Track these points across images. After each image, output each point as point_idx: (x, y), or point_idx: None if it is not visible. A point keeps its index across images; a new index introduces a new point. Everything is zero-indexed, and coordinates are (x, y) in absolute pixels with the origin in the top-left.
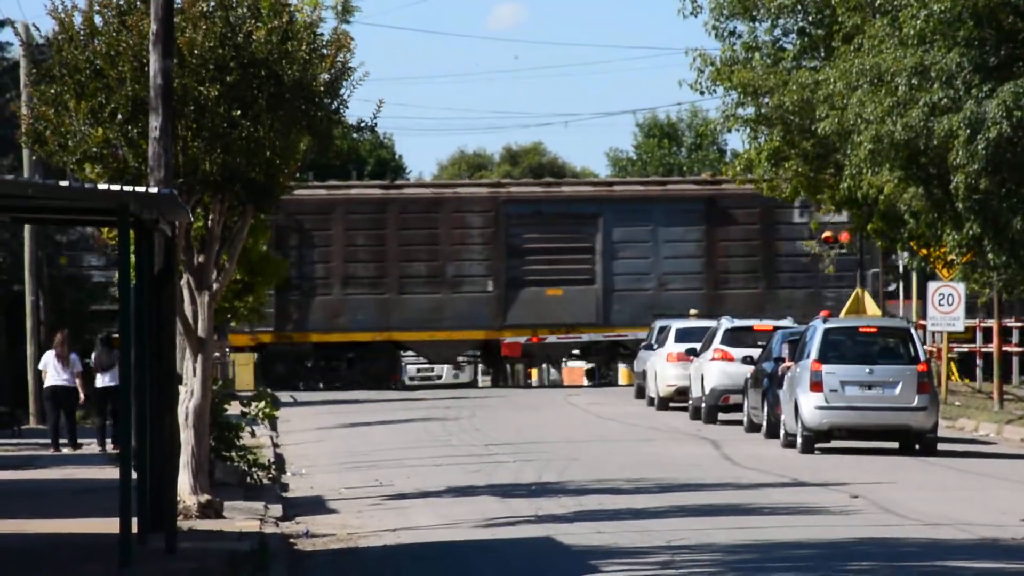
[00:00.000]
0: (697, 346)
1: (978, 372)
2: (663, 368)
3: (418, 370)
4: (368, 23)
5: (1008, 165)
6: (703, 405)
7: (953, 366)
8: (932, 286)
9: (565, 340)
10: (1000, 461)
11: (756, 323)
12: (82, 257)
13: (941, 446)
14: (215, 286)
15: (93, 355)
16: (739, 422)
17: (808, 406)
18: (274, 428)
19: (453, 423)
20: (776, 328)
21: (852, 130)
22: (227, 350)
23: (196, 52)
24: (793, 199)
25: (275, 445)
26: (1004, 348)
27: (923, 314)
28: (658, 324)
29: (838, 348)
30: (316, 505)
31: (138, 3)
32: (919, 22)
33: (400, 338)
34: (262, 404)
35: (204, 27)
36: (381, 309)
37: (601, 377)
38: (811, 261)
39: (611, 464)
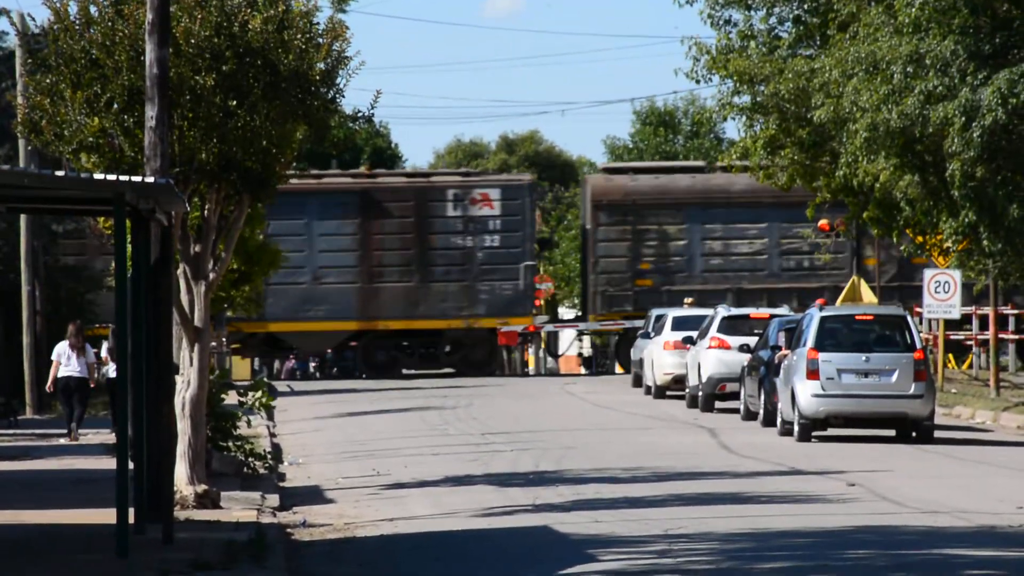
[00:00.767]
0: (694, 334)
1: (974, 359)
2: (660, 356)
3: None
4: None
5: (1004, 152)
6: (700, 393)
7: (950, 355)
8: (928, 273)
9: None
10: (997, 448)
11: (753, 311)
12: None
13: (938, 434)
14: (212, 276)
15: (104, 346)
16: (736, 410)
17: (805, 394)
18: (271, 417)
19: (450, 412)
20: (773, 316)
21: (848, 118)
22: (224, 339)
23: (192, 41)
24: (790, 187)
25: (272, 435)
26: (1000, 335)
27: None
28: (655, 312)
29: (834, 336)
30: (313, 495)
31: None
32: (914, 10)
33: None
34: (259, 394)
35: (200, 16)
36: None
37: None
38: (464, 255)
39: (608, 453)
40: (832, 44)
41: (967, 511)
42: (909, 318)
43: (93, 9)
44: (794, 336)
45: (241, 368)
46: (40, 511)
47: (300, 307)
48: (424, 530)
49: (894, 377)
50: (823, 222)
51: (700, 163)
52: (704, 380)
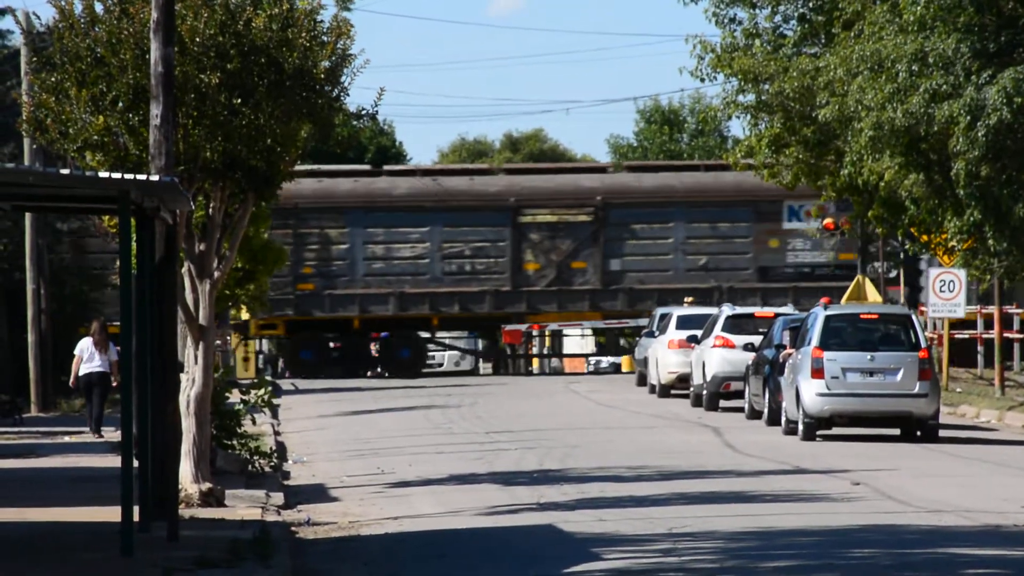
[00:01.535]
0: (698, 333)
1: (979, 359)
2: (664, 355)
3: None
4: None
5: (1009, 152)
6: (704, 392)
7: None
8: (933, 272)
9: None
10: (1001, 448)
11: (757, 310)
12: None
13: (942, 433)
14: (216, 274)
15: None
16: (740, 409)
17: (809, 393)
18: (275, 416)
19: (454, 411)
20: (777, 315)
21: (853, 117)
22: (227, 338)
23: (197, 40)
24: (794, 186)
25: (276, 433)
26: (1005, 334)
27: (910, 300)
28: (659, 311)
29: (839, 335)
30: (318, 493)
31: None
32: (919, 8)
33: None
34: (263, 392)
35: (205, 15)
36: None
37: None
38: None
39: (613, 451)
40: (837, 42)
41: (972, 510)
42: (914, 317)
43: (98, 7)
44: (799, 335)
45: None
46: (45, 509)
47: None
48: (429, 528)
49: (899, 376)
50: (828, 220)
51: (365, 167)
52: (708, 379)
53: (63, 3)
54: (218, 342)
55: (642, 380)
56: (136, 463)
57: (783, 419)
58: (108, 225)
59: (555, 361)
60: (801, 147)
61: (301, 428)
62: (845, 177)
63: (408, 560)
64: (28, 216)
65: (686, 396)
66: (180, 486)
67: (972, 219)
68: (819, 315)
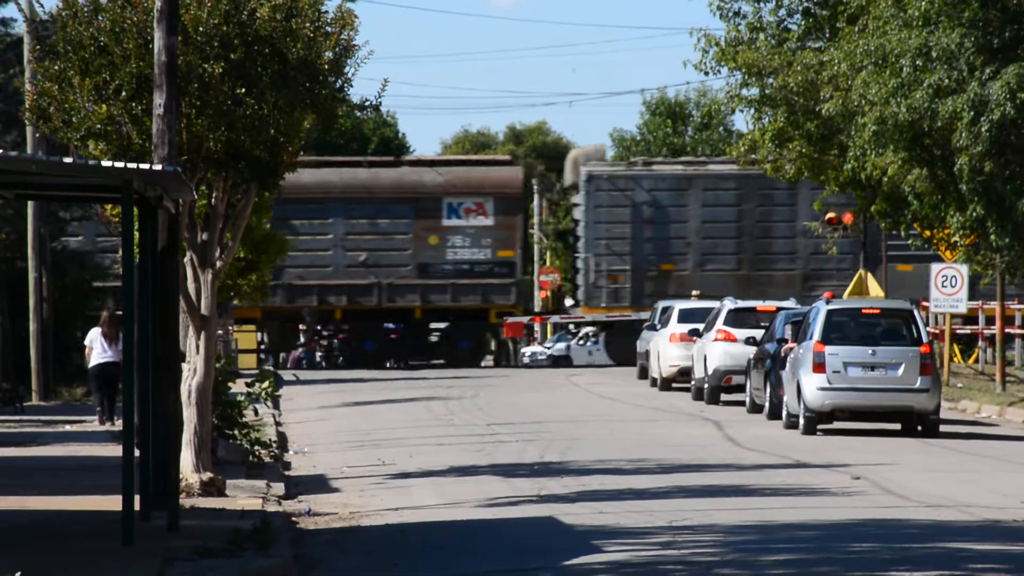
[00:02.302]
0: (700, 327)
1: (980, 354)
2: (666, 348)
3: None
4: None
5: (1012, 147)
6: (706, 386)
7: (956, 348)
8: (935, 268)
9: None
10: (1002, 443)
11: (759, 304)
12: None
13: (943, 428)
14: (218, 264)
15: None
16: (741, 403)
17: (810, 387)
18: (277, 406)
19: (455, 402)
20: (779, 309)
21: (856, 111)
22: (230, 328)
23: (200, 29)
24: (797, 180)
25: (277, 423)
26: (1007, 330)
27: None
28: (661, 304)
29: (841, 329)
30: (318, 483)
31: None
32: (924, 3)
33: None
34: (265, 384)
35: (209, 4)
36: None
37: None
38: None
39: (613, 444)
40: (841, 37)
41: (972, 505)
42: (916, 312)
43: None
44: (800, 329)
45: (247, 356)
46: (46, 497)
47: None
48: (429, 520)
49: (900, 371)
50: (831, 215)
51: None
52: (710, 372)
53: None
54: (220, 332)
55: (643, 373)
56: (137, 452)
57: (784, 413)
58: (111, 214)
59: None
60: (804, 141)
61: (302, 419)
62: (848, 172)
63: (408, 551)
64: (31, 204)
65: (687, 390)
66: (181, 476)
67: (975, 215)
68: (821, 309)
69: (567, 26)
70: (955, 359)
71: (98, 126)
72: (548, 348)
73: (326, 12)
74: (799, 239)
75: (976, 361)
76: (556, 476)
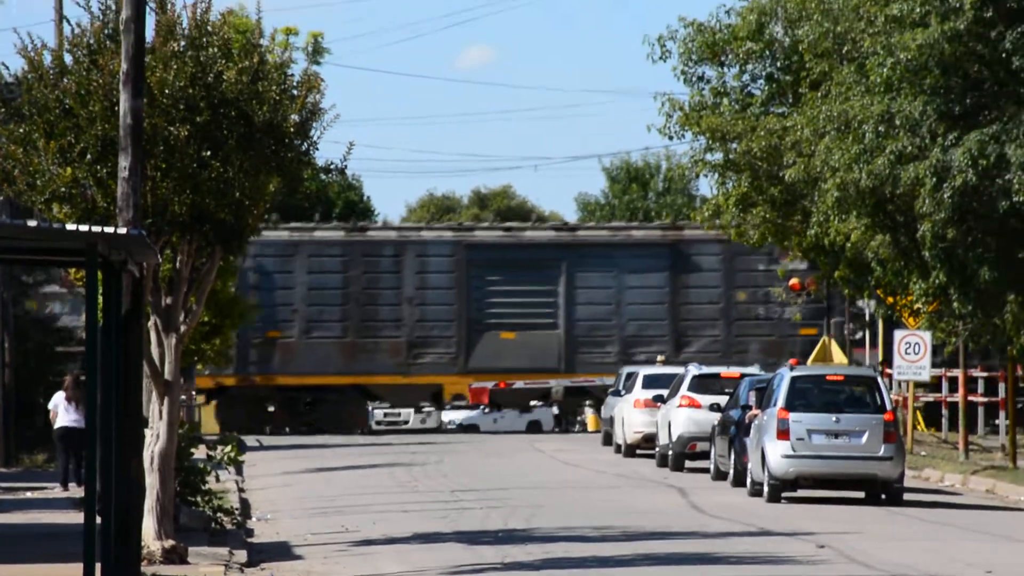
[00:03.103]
0: (664, 392)
1: (943, 422)
2: (630, 414)
3: (384, 415)
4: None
5: (974, 214)
6: (670, 452)
7: (919, 415)
8: (898, 335)
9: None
10: (965, 512)
11: (723, 370)
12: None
13: (907, 496)
14: (183, 328)
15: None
16: (706, 470)
17: (775, 454)
18: (240, 472)
19: (419, 468)
20: (743, 375)
21: (819, 177)
22: (193, 393)
23: (167, 92)
24: (760, 245)
25: (240, 490)
26: (969, 398)
27: (888, 361)
28: (625, 370)
29: (805, 396)
30: (282, 551)
31: (108, 43)
32: (886, 70)
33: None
34: (228, 448)
35: (175, 67)
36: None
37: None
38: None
39: (578, 511)
40: (804, 103)
41: (936, 575)
42: (880, 379)
43: (68, 58)
44: (764, 396)
45: (210, 421)
46: (6, 566)
47: None
48: None
49: (864, 438)
50: (794, 281)
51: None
52: (674, 439)
53: (32, 54)
54: (183, 397)
55: (608, 439)
56: (99, 519)
57: (749, 480)
58: (74, 278)
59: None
60: (768, 206)
61: (265, 485)
62: (812, 237)
63: None
64: None
65: (652, 456)
66: (143, 543)
67: (938, 281)
68: (785, 376)
69: (532, 90)
70: (918, 427)
71: (63, 189)
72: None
73: (292, 75)
74: (404, 306)
75: (939, 429)
76: (520, 543)
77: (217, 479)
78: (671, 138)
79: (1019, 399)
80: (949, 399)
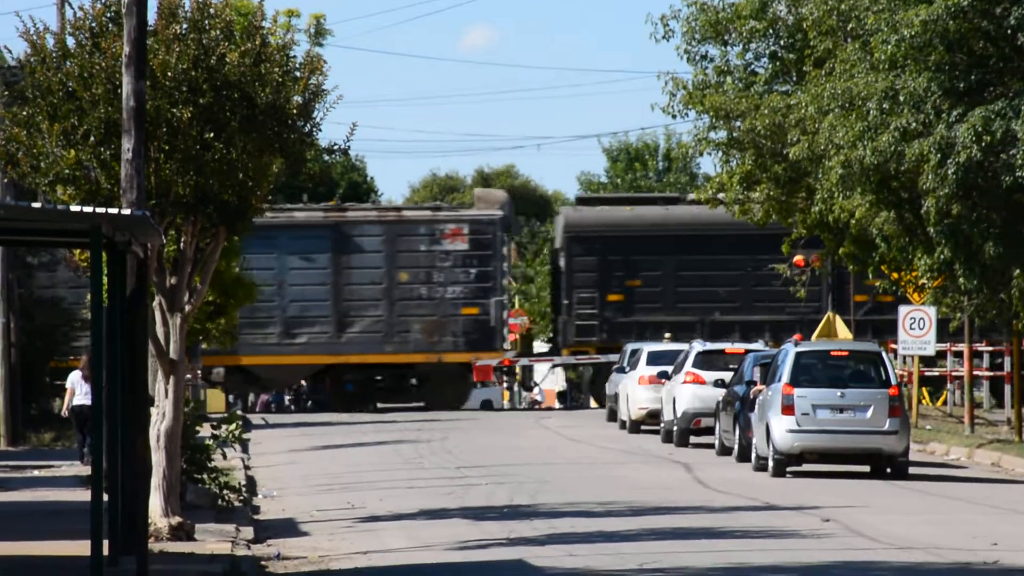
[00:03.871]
0: (669, 369)
1: (948, 396)
2: (635, 391)
3: None
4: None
5: (979, 190)
6: (675, 428)
7: (925, 390)
8: (903, 310)
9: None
10: (971, 485)
11: (728, 346)
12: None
13: (912, 470)
14: (187, 308)
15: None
16: (711, 445)
17: (779, 429)
18: (245, 450)
19: (425, 445)
20: (748, 351)
21: (823, 154)
22: (198, 372)
23: (169, 74)
24: (765, 223)
25: (246, 467)
26: (975, 372)
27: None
28: (630, 347)
29: (809, 371)
30: (288, 527)
31: (111, 25)
32: (890, 47)
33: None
34: (233, 426)
35: (177, 49)
36: None
37: None
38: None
39: (583, 487)
40: (808, 80)
41: (941, 547)
42: (884, 354)
43: (70, 42)
44: (769, 371)
45: (216, 400)
46: (14, 543)
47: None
48: (398, 563)
49: (869, 413)
50: (798, 258)
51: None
52: (679, 415)
53: (35, 37)
54: (188, 376)
55: (612, 416)
56: (106, 497)
57: (753, 455)
58: (79, 259)
59: (525, 396)
60: (772, 184)
61: (271, 462)
62: (816, 214)
63: None
64: None
65: (656, 432)
66: (150, 520)
67: (942, 257)
68: (790, 352)
69: (535, 69)
70: (923, 401)
71: (66, 171)
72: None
73: (295, 57)
74: None
75: (944, 403)
76: (526, 519)
77: (224, 457)
78: (674, 117)
79: None
80: (954, 373)
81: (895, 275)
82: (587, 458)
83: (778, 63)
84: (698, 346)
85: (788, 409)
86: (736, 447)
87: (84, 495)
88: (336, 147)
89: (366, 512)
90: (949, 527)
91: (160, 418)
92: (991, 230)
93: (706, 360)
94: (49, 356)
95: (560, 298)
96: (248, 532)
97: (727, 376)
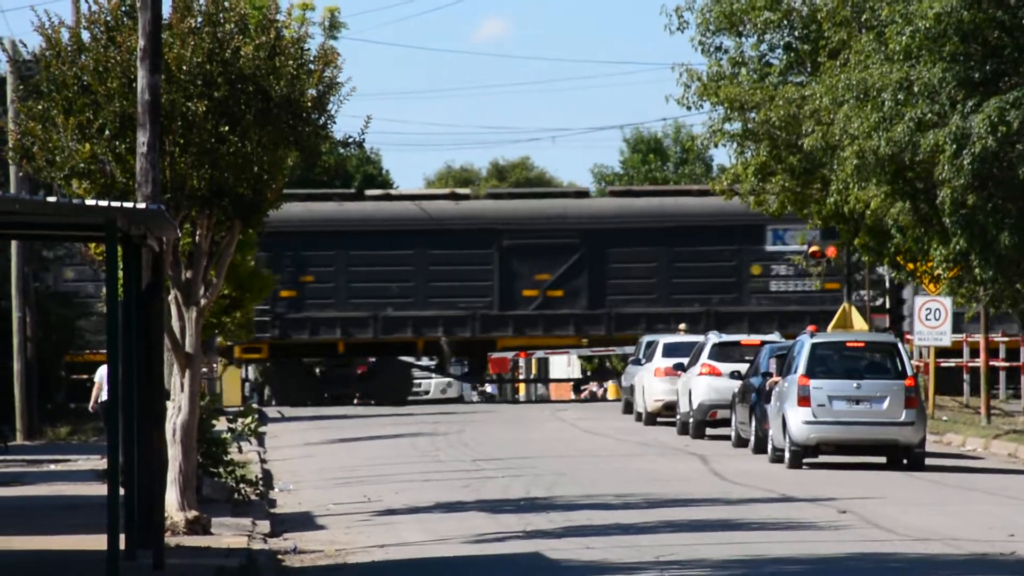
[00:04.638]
0: (685, 361)
1: (965, 387)
2: (651, 383)
3: None
4: (355, 39)
5: (994, 180)
6: (691, 420)
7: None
8: (919, 301)
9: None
10: (987, 476)
11: (744, 338)
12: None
13: (929, 461)
14: (203, 301)
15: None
16: (727, 437)
17: (796, 421)
18: (261, 444)
19: (441, 438)
20: (764, 343)
21: (838, 145)
22: (214, 365)
23: (184, 68)
24: (780, 214)
25: (263, 461)
26: (991, 363)
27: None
28: (646, 339)
29: (825, 363)
30: (304, 521)
31: (126, 19)
32: (905, 37)
33: None
34: (249, 420)
35: (192, 43)
36: None
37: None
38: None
39: (599, 479)
40: (823, 71)
41: (958, 538)
42: (900, 345)
43: (85, 35)
44: (785, 363)
45: (231, 394)
46: (31, 537)
47: None
48: (415, 556)
49: (885, 404)
50: (814, 248)
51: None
52: (695, 407)
53: (50, 32)
54: (204, 369)
55: (628, 408)
56: (122, 491)
57: (770, 447)
58: (94, 253)
59: (541, 388)
60: (787, 175)
61: (287, 456)
62: (831, 205)
63: None
64: (14, 244)
65: (672, 424)
66: (166, 514)
67: (958, 247)
68: (805, 343)
69: (550, 61)
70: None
71: (81, 165)
72: None
73: (309, 50)
74: None
75: (961, 394)
76: (542, 511)
77: (240, 450)
78: (689, 108)
79: None
80: (970, 364)
81: (910, 266)
82: (603, 450)
83: (793, 54)
84: (714, 338)
85: (804, 400)
86: (752, 439)
87: (100, 489)
88: (351, 140)
89: (382, 505)
90: (966, 518)
91: (176, 412)
92: (1007, 220)
93: (722, 352)
94: (65, 350)
95: None
96: (264, 526)
97: (743, 368)
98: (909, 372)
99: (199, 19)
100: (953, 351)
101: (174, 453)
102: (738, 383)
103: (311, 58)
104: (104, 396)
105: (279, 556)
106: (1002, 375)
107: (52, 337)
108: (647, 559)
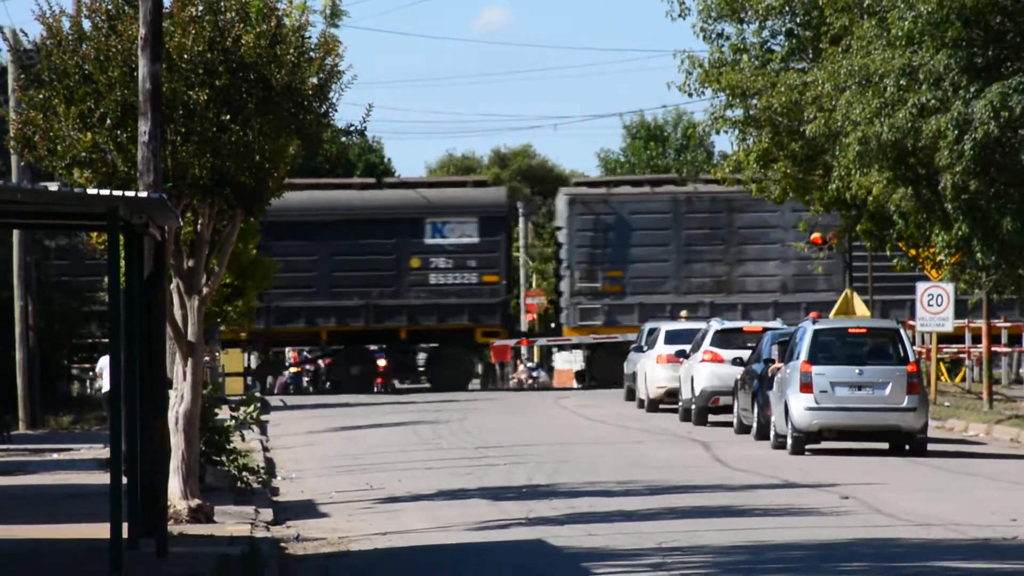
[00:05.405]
0: (687, 348)
1: (967, 373)
2: (653, 370)
3: None
4: (356, 27)
5: (996, 166)
6: (693, 407)
7: (943, 367)
8: (921, 286)
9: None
10: (990, 461)
11: (746, 324)
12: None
13: (931, 446)
14: (205, 290)
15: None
16: (729, 424)
17: (798, 407)
18: (264, 432)
19: (443, 426)
20: (766, 329)
21: (840, 131)
22: (216, 354)
23: (185, 56)
24: (782, 200)
25: (265, 449)
26: (993, 349)
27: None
28: (648, 326)
29: (827, 349)
30: (307, 509)
31: (127, 8)
32: (907, 23)
33: None
34: (251, 408)
35: (193, 31)
36: None
37: None
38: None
39: (602, 466)
40: (825, 57)
41: (960, 524)
42: (902, 331)
43: (86, 24)
44: (787, 349)
45: (234, 382)
46: (33, 526)
47: None
48: (418, 544)
49: (887, 390)
50: (816, 235)
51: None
52: (697, 393)
53: (51, 20)
54: (206, 358)
55: (631, 395)
56: (125, 480)
57: (772, 433)
58: (96, 242)
59: (543, 376)
60: (789, 162)
61: (290, 444)
62: (833, 191)
63: (398, 575)
64: (16, 233)
65: (675, 411)
66: (169, 502)
67: (960, 233)
68: (807, 329)
69: (551, 48)
70: (942, 378)
71: (83, 154)
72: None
73: (310, 38)
74: None
75: (963, 380)
76: (545, 499)
77: (242, 439)
78: (691, 95)
79: None
80: (972, 349)
81: (912, 251)
82: (605, 437)
83: (794, 40)
84: (716, 324)
85: (806, 387)
86: (754, 425)
87: (103, 478)
88: (353, 128)
89: (385, 493)
90: (968, 503)
91: (178, 400)
92: (1009, 206)
93: (724, 338)
94: (67, 339)
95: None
96: (267, 514)
97: (745, 354)
98: (911, 358)
99: (200, 7)
100: (956, 337)
101: (177, 442)
102: (740, 370)
103: (312, 46)
104: (106, 386)
105: (282, 544)
106: (1004, 361)
107: (54, 326)
108: (649, 545)
